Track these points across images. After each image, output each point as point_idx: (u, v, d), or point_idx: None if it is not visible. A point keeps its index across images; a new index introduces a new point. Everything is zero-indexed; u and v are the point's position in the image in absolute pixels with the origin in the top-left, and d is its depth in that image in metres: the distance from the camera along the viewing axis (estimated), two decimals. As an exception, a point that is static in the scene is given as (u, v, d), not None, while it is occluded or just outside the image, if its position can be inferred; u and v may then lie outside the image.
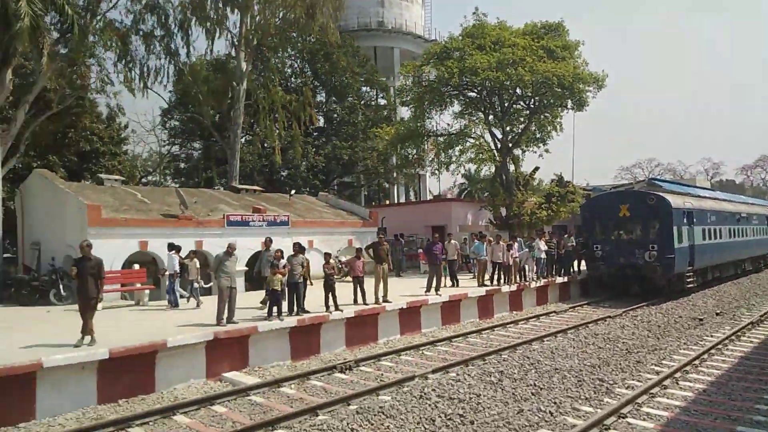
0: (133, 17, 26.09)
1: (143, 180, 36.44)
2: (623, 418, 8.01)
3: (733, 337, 12.97)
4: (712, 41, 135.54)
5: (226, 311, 11.06)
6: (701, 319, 15.28)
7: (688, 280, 19.56)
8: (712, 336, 13.21)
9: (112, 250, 14.81)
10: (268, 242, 13.99)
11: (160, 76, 28.29)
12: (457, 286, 17.01)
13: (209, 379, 10.04)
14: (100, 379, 8.68)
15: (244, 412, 8.29)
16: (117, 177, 21.65)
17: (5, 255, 19.82)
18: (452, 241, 17.66)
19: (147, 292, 15.21)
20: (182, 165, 36.71)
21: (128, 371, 8.98)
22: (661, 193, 19.96)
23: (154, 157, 40.38)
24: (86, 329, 9.19)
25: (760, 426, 7.59)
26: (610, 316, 15.84)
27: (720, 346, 12.09)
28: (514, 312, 17.40)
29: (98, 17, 23.08)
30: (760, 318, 15.30)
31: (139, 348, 9.11)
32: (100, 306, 10.08)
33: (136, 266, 15.41)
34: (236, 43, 27.62)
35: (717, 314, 16.19)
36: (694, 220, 20.09)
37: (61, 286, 14.60)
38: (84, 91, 26.17)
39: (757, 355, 11.51)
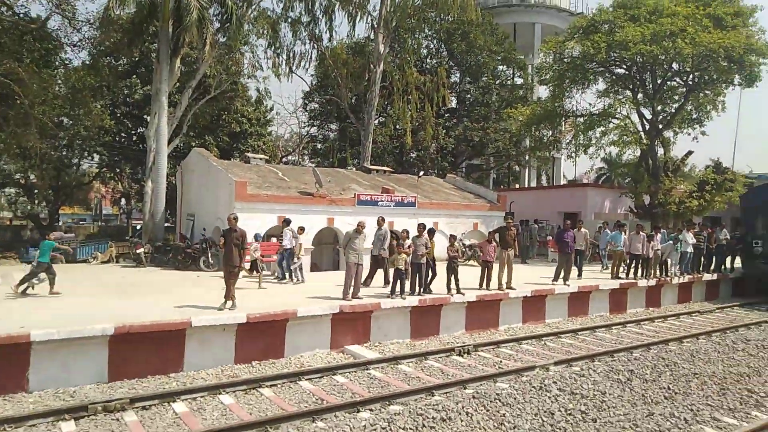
0: (283, 5, 27.93)
1: (284, 159, 39.11)
2: (775, 436, 7.16)
3: None
4: None
5: (352, 286, 11.61)
6: None
7: None
8: None
9: (254, 224, 16.19)
10: (380, 221, 13.85)
11: (304, 61, 30.08)
12: (579, 277, 16.06)
13: (332, 350, 10.66)
14: (238, 341, 9.61)
15: (363, 384, 8.70)
16: (261, 156, 23.50)
17: (165, 224, 22.56)
18: (582, 230, 16.72)
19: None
20: (319, 146, 38.75)
21: (262, 336, 9.84)
22: None
23: (294, 138, 43.04)
24: (229, 294, 10.22)
25: None
26: (766, 321, 14.06)
27: None
28: (651, 309, 16.18)
29: (253, 7, 24.96)
30: None
31: (273, 315, 9.92)
32: (241, 274, 11.10)
33: (274, 239, 16.69)
34: (375, 25, 28.30)
35: None
36: None
37: (209, 254, 16.29)
38: (237, 77, 28.65)
39: None
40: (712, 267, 18.56)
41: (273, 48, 28.45)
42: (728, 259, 19.27)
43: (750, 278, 18.55)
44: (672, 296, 17.06)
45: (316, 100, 37.08)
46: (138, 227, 28.90)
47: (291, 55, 29.46)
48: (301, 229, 14.48)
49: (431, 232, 13.13)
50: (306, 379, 8.71)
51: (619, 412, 7.75)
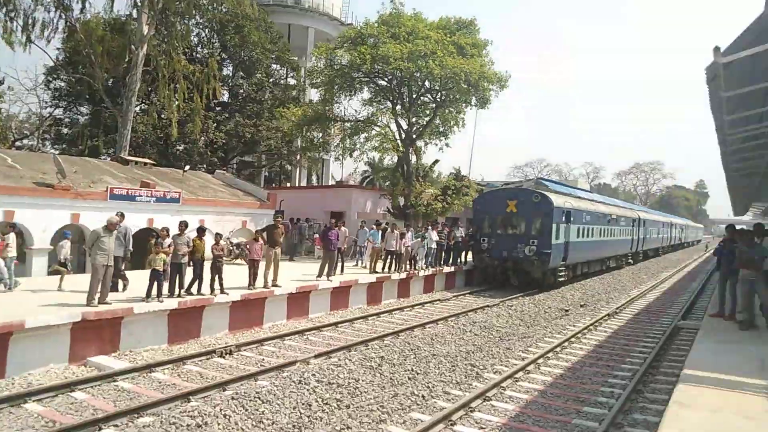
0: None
1: (17, 143, 33.12)
2: (488, 400, 8.58)
3: (591, 327, 14.30)
4: (606, 51, 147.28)
5: (98, 291, 10.43)
6: (567, 310, 16.70)
7: (561, 273, 21.21)
8: (574, 326, 14.46)
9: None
10: (119, 216, 11.91)
11: (48, 31, 25.80)
12: (341, 273, 16.97)
13: (72, 364, 9.44)
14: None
15: (108, 398, 7.91)
16: (-16, 138, 19.53)
17: None
18: (342, 228, 17.74)
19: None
20: (65, 130, 33.67)
21: (-26, 355, 8.22)
22: (545, 192, 21.35)
23: (33, 119, 36.70)
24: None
25: (602, 406, 8.46)
26: (488, 306, 16.80)
27: (579, 335, 13.28)
28: (402, 299, 17.95)
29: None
30: (615, 310, 17.00)
31: (-9, 329, 8.36)
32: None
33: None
34: (138, 3, 25.75)
35: (581, 306, 17.77)
36: (572, 218, 21.73)
37: None
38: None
39: (609, 343, 12.80)
40: (451, 261, 21.45)
41: (5, 10, 23.84)
42: (463, 254, 22.45)
43: (479, 270, 21.90)
44: (419, 287, 19.21)
45: (63, 78, 32.19)
46: None
47: (30, 21, 25.06)
48: (10, 227, 12.28)
49: (201, 231, 12.57)
50: (34, 401, 7.56)
51: (370, 396, 8.45)
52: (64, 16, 26.17)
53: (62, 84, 32.58)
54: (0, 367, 8.50)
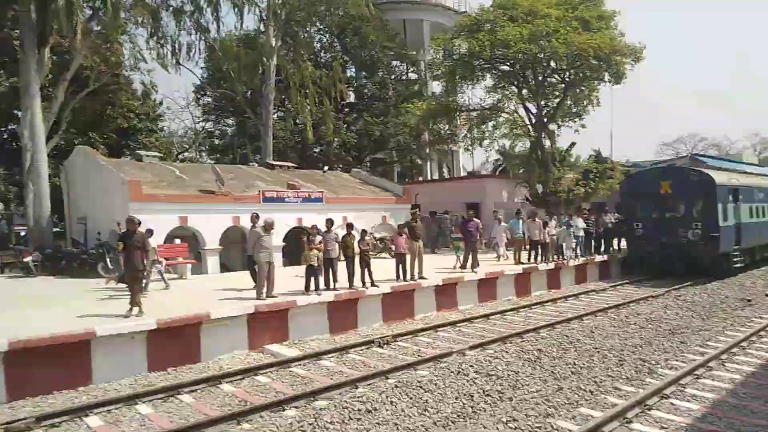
0: (161, -8, 26.04)
1: (180, 156, 37.12)
2: (666, 398, 7.84)
3: (782, 319, 12.56)
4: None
5: (265, 285, 11.27)
6: (749, 300, 14.76)
7: (735, 259, 18.77)
8: (761, 317, 12.78)
9: (153, 225, 15.12)
10: (254, 218, 12.47)
11: (192, 53, 28.35)
12: (478, 265, 16.34)
13: (252, 351, 10.30)
14: (150, 348, 9.01)
15: (286, 382, 8.48)
16: (155, 153, 22.07)
17: (54, 229, 20.49)
18: (474, 219, 17.31)
19: (189, 266, 15.55)
20: (217, 141, 37.17)
21: (175, 341, 9.29)
22: (704, 170, 19.25)
23: (189, 134, 40.94)
24: (134, 300, 9.50)
25: (814, 410, 7.35)
26: (652, 296, 15.45)
27: (769, 328, 11.71)
28: (552, 290, 17.14)
29: (128, -7, 23.08)
30: (810, 299, 14.77)
31: (185, 319, 9.39)
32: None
33: (178, 241, 15.76)
34: (264, 17, 27.51)
35: (766, 295, 15.61)
36: (740, 197, 19.28)
37: (108, 260, 15.01)
38: (118, 68, 26.56)
39: (811, 337, 11.12)
40: (602, 249, 20.08)
41: (155, 38, 26.53)
42: (615, 241, 20.88)
43: (634, 257, 20.13)
44: (570, 278, 18.18)
45: (209, 94, 35.52)
46: (22, 234, 26.02)
47: (177, 45, 27.65)
48: (149, 232, 12.88)
49: (350, 227, 13.09)
50: (227, 382, 8.35)
51: (532, 389, 8.14)
52: (203, 38, 28.32)
53: (209, 99, 35.93)
54: (196, 353, 9.56)
